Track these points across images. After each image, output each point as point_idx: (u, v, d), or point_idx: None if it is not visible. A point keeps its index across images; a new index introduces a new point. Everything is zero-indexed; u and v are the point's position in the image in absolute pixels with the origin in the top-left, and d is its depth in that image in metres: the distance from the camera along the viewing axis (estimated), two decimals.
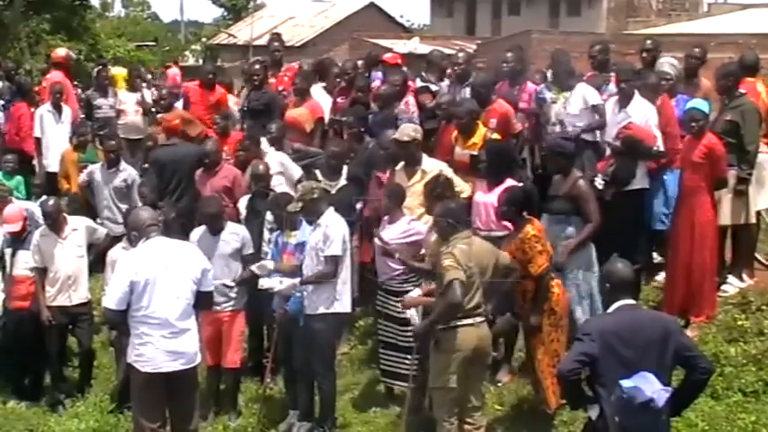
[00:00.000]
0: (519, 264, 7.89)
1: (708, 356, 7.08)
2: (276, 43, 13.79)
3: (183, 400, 7.60)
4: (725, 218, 9.62)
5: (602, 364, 6.08)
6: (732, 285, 9.82)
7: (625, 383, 5.89)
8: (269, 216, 9.54)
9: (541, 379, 8.09)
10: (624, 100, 9.72)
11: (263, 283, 8.70)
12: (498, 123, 10.49)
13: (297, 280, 8.53)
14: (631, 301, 6.23)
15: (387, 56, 13.49)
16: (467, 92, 11.24)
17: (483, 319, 7.54)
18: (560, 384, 6.72)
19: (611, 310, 6.29)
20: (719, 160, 9.14)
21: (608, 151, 9.69)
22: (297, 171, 10.67)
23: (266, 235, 9.56)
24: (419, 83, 12.14)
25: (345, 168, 10.23)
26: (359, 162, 10.45)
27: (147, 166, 11.73)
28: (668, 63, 10.74)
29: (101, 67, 17.55)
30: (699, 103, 9.40)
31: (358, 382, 9.67)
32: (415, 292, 8.33)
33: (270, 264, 8.97)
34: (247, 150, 10.94)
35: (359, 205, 9.84)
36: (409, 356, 8.40)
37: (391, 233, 8.76)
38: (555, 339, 8.04)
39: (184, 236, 8.95)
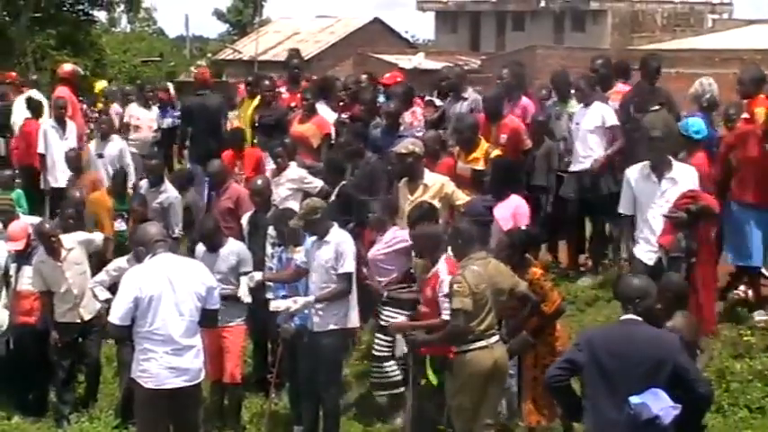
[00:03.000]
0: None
1: (713, 373, 7.06)
2: (295, 60, 13.86)
3: (186, 417, 7.57)
4: None
5: (585, 374, 6.12)
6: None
7: (633, 399, 5.87)
8: (271, 231, 9.54)
9: (524, 391, 8.07)
10: (664, 168, 8.94)
11: (279, 304, 8.62)
12: (509, 139, 10.54)
13: (311, 298, 8.49)
14: (635, 317, 6.21)
15: (385, 77, 13.47)
16: (464, 106, 11.29)
17: (497, 339, 7.50)
18: (547, 392, 6.73)
19: (613, 323, 6.32)
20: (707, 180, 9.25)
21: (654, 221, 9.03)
22: (318, 183, 10.78)
23: (269, 249, 9.55)
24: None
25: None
26: (358, 178, 10.44)
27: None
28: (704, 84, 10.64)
29: (142, 84, 17.55)
30: (695, 121, 9.55)
31: (361, 396, 9.64)
32: (402, 317, 8.33)
33: (258, 275, 8.99)
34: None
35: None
36: (385, 364, 8.57)
37: (378, 245, 8.79)
38: (549, 363, 7.98)
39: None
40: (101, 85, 16.23)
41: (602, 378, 6.01)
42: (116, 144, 13.19)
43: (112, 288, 8.83)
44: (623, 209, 9.22)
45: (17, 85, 16.12)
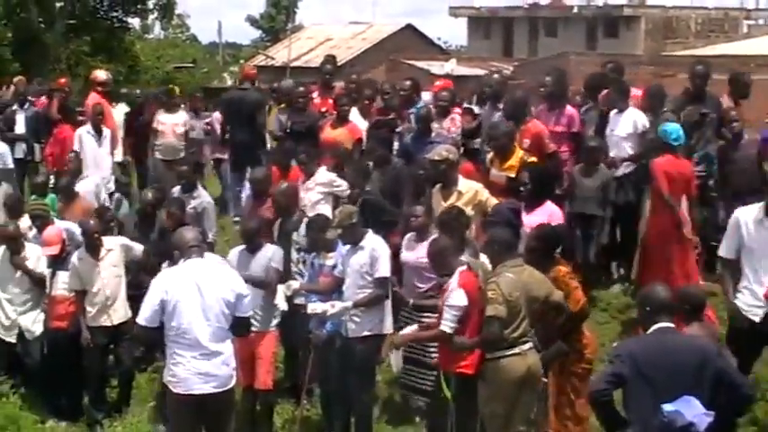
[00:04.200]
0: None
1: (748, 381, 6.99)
2: (329, 66, 13.90)
3: (217, 423, 7.60)
4: None
5: (630, 386, 6.09)
6: None
7: (666, 407, 5.85)
8: (296, 237, 9.57)
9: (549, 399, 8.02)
10: None
11: (316, 307, 8.64)
12: (531, 143, 10.51)
13: (348, 303, 8.49)
14: (668, 325, 6.18)
15: (436, 85, 13.42)
16: (498, 114, 11.26)
17: (531, 346, 7.46)
18: (592, 407, 6.67)
19: (647, 333, 6.26)
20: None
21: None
22: (346, 186, 10.83)
23: (294, 255, 9.57)
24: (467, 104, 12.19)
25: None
26: (384, 184, 10.43)
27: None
28: None
29: (176, 89, 17.55)
30: (674, 128, 9.80)
31: (393, 402, 9.62)
32: (409, 329, 8.30)
33: (296, 283, 8.99)
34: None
35: None
36: (429, 372, 8.47)
37: (420, 252, 8.73)
38: (578, 370, 7.95)
39: None
40: (171, 89, 16.29)
41: (648, 389, 5.98)
42: (91, 180, 12.81)
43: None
44: (725, 252, 8.13)
45: (66, 92, 16.23)
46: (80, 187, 12.19)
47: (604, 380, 6.22)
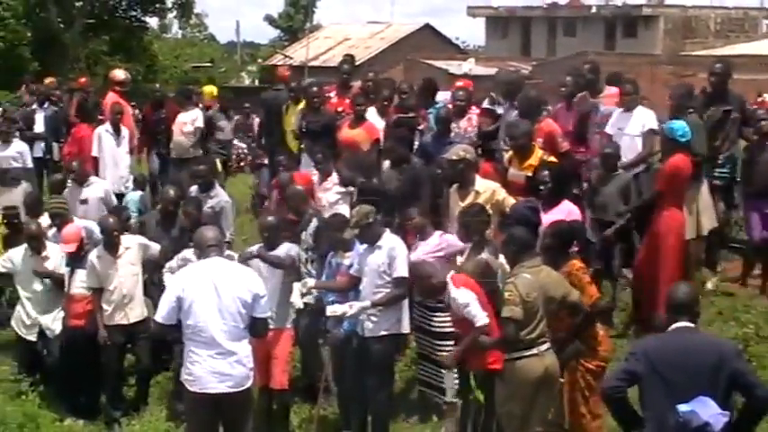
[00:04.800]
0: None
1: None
2: (346, 66, 13.89)
3: (234, 423, 7.60)
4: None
5: (645, 384, 6.08)
6: None
7: (682, 407, 5.83)
8: (304, 236, 9.61)
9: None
10: None
11: (335, 309, 8.62)
12: (544, 142, 10.48)
13: (367, 303, 8.50)
14: (688, 324, 6.15)
15: (456, 85, 13.41)
16: (514, 114, 11.25)
17: (548, 347, 7.44)
18: (605, 403, 6.66)
19: (666, 332, 6.25)
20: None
21: None
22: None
23: (302, 255, 9.59)
24: (486, 103, 12.15)
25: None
26: (402, 183, 10.43)
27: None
28: None
29: (214, 89, 17.50)
30: (680, 125, 9.75)
31: (410, 401, 9.62)
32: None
33: (311, 281, 8.99)
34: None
35: None
36: (442, 370, 8.47)
37: (424, 249, 8.79)
38: (593, 368, 7.93)
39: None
40: (210, 90, 16.33)
41: (663, 387, 5.97)
42: (100, 186, 12.63)
43: None
44: None
45: (87, 91, 16.31)
46: (88, 193, 12.19)
47: (616, 377, 6.23)
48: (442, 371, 8.64)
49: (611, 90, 11.33)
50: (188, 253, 9.49)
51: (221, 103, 16.26)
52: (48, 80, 19.04)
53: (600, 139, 11.00)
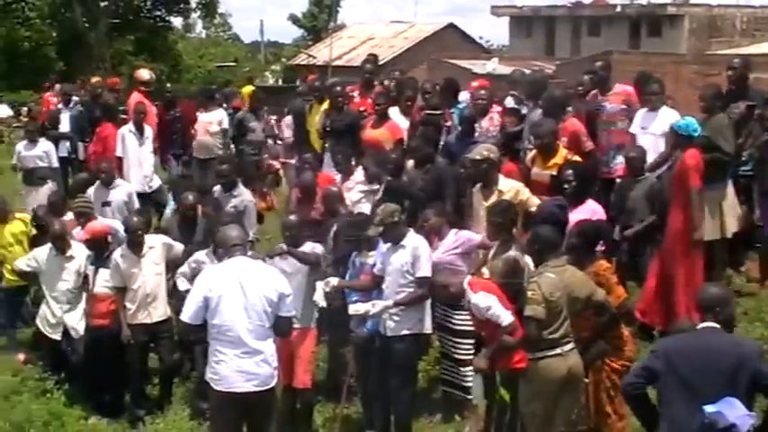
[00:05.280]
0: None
1: None
2: (369, 65, 13.89)
3: (258, 422, 7.63)
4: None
5: (662, 382, 6.08)
6: None
7: (708, 408, 5.82)
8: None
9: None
10: None
11: (358, 308, 8.65)
12: (569, 141, 10.45)
13: (389, 302, 8.50)
14: (713, 325, 6.12)
15: (472, 85, 13.40)
16: (539, 113, 11.23)
17: (572, 347, 7.40)
18: (625, 400, 6.69)
19: (691, 331, 6.25)
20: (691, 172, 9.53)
21: None
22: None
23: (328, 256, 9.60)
24: (511, 102, 12.12)
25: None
26: (426, 183, 10.42)
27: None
28: None
29: (253, 89, 17.45)
30: (691, 121, 9.72)
31: (433, 401, 9.61)
32: (482, 353, 8.25)
33: (334, 280, 8.98)
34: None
35: None
36: (463, 368, 8.50)
37: (442, 249, 8.84)
38: (618, 367, 7.88)
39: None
40: (248, 90, 16.34)
41: (680, 386, 5.97)
42: (123, 190, 12.58)
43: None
44: None
45: (117, 91, 16.38)
46: (113, 195, 12.21)
47: (634, 373, 6.29)
48: (462, 369, 8.64)
49: (619, 88, 11.31)
50: (200, 255, 9.52)
51: (252, 104, 15.85)
52: (94, 79, 19.04)
53: (607, 137, 11.01)
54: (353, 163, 11.35)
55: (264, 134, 14.36)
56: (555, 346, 7.32)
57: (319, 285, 8.94)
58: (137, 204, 12.29)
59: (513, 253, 8.19)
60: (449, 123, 11.94)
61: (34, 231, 11.64)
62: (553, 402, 7.41)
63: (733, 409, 5.79)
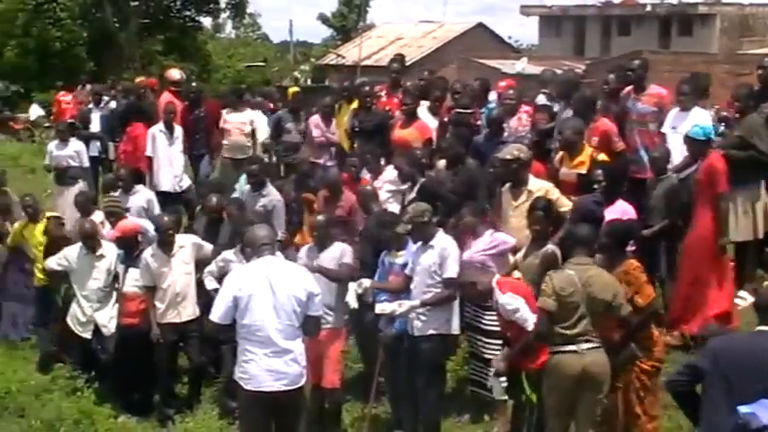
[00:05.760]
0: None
1: None
2: (396, 65, 13.88)
3: (287, 421, 7.62)
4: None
5: (707, 382, 6.08)
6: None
7: (742, 409, 5.80)
8: None
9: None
10: None
11: (384, 307, 8.65)
12: (600, 141, 10.41)
13: (416, 302, 8.50)
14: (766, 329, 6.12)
15: (500, 85, 13.37)
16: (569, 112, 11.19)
17: (591, 347, 7.36)
18: (672, 397, 6.69)
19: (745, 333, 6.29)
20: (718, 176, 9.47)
21: None
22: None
23: None
24: (543, 100, 12.08)
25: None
26: (456, 184, 10.40)
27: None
28: None
29: (298, 89, 17.34)
30: (708, 126, 9.71)
31: (461, 400, 9.60)
32: (500, 355, 8.23)
33: (367, 281, 8.98)
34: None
35: None
36: (492, 368, 8.42)
37: (476, 248, 8.81)
38: (648, 367, 7.86)
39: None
40: (294, 90, 16.37)
41: (722, 385, 5.97)
42: (142, 195, 12.45)
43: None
44: None
45: (153, 91, 16.44)
46: (132, 201, 12.15)
47: (678, 370, 6.35)
48: (491, 369, 8.63)
49: (654, 90, 11.24)
50: (228, 254, 9.57)
51: (293, 105, 15.00)
52: (139, 79, 19.05)
53: (637, 136, 10.97)
54: (382, 163, 11.35)
55: (300, 136, 14.26)
56: (570, 342, 7.31)
57: (352, 287, 8.94)
58: (157, 209, 12.26)
59: (551, 247, 8.21)
60: (478, 122, 11.92)
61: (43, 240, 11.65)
62: (568, 399, 7.40)
63: (767, 411, 5.76)
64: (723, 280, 9.61)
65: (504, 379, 8.07)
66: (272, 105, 16.68)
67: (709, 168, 9.57)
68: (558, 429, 7.53)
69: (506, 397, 8.27)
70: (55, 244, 10.99)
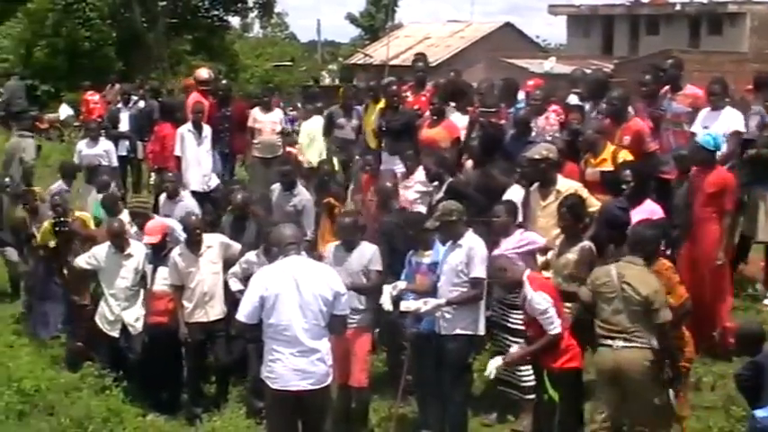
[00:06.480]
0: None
1: None
2: (420, 63, 13.87)
3: (314, 420, 7.63)
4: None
5: (762, 380, 6.18)
6: None
7: (759, 413, 5.80)
8: None
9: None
10: None
11: (409, 305, 8.64)
12: (632, 141, 10.38)
13: (441, 300, 8.49)
14: None
15: (528, 84, 13.35)
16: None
17: (627, 345, 7.37)
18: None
19: None
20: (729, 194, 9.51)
21: None
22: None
23: None
24: (575, 99, 12.04)
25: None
26: (479, 185, 10.38)
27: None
28: None
29: (349, 85, 17.24)
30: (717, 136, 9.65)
31: (489, 399, 9.58)
32: (515, 347, 8.31)
33: (402, 284, 8.96)
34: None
35: None
36: (520, 367, 8.52)
37: (506, 246, 8.83)
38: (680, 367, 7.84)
39: None
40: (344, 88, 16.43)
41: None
42: (182, 206, 12.06)
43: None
44: None
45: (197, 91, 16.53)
46: (176, 213, 11.84)
47: (744, 365, 6.59)
48: (519, 368, 8.63)
49: (690, 90, 11.19)
50: (251, 255, 9.58)
51: (345, 101, 14.69)
52: (193, 75, 19.10)
53: (671, 136, 10.91)
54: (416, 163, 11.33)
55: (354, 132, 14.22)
56: (606, 337, 7.41)
57: (386, 289, 8.91)
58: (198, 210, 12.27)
59: (587, 243, 8.26)
60: (503, 121, 11.88)
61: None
62: (610, 391, 7.51)
63: None
64: (722, 292, 9.58)
65: (500, 361, 8.17)
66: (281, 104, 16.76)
67: (723, 183, 9.55)
68: (609, 419, 7.58)
69: (533, 395, 8.28)
70: (67, 244, 11.05)
